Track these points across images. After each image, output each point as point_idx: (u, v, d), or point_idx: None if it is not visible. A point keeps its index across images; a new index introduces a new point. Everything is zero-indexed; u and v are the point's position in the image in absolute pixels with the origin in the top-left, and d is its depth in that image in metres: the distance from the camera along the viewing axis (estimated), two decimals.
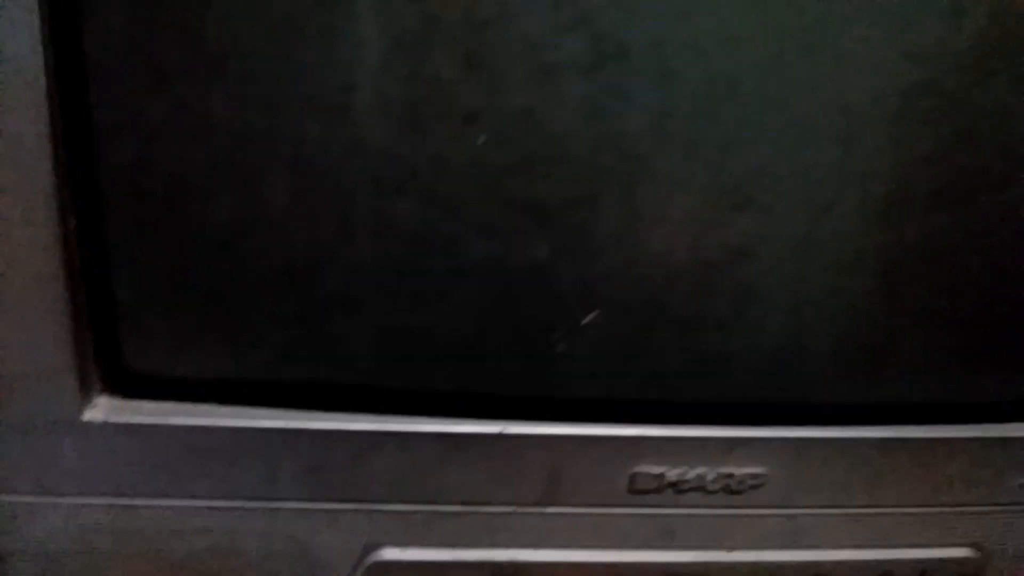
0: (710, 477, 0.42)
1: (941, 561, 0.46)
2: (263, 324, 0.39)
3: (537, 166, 0.36)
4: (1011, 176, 0.38)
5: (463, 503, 0.42)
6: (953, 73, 0.35)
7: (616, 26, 0.34)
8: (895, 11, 0.34)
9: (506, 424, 0.41)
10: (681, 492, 0.43)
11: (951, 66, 0.35)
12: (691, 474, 0.42)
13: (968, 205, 0.39)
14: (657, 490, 0.42)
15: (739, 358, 0.41)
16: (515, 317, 0.39)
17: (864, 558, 0.46)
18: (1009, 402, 0.44)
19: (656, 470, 0.42)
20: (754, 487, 0.43)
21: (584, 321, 0.39)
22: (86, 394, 0.39)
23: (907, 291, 0.41)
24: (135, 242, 0.37)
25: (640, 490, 0.42)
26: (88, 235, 0.37)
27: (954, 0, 0.34)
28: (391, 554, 0.43)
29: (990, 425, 0.44)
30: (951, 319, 0.42)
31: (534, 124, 0.36)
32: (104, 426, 0.39)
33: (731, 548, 0.45)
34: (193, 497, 0.41)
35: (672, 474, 0.42)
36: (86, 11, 0.33)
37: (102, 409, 0.39)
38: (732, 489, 0.43)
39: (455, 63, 0.34)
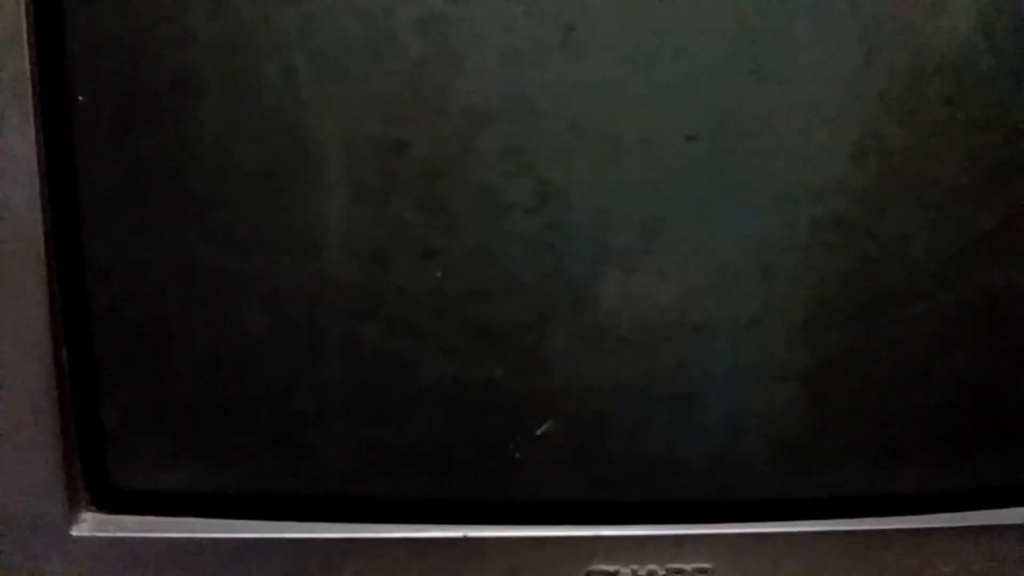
0: (661, 573, 0.46)
1: None
2: (240, 443, 0.43)
3: (490, 295, 0.40)
4: (914, 292, 0.43)
5: None
6: (855, 207, 0.40)
7: (556, 172, 0.39)
8: (802, 154, 0.39)
9: (468, 528, 0.44)
10: None
11: (852, 201, 0.40)
12: (643, 571, 0.45)
13: (879, 319, 0.43)
14: None
15: (682, 461, 0.45)
16: (474, 430, 0.43)
17: None
18: (931, 495, 0.48)
19: (610, 568, 0.45)
20: None
21: (538, 432, 0.42)
22: (75, 509, 0.42)
23: (830, 396, 0.45)
24: (121, 371, 0.41)
25: None
26: (78, 365, 0.40)
27: (855, 147, 0.39)
28: None
29: (916, 517, 0.47)
30: (873, 420, 0.46)
31: (486, 258, 0.40)
32: (91, 540, 0.41)
33: None
34: None
35: (625, 572, 0.45)
36: (81, 169, 0.37)
37: (89, 524, 0.42)
38: None
39: (414, 207, 0.39)
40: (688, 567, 0.46)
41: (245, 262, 0.38)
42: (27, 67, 0.36)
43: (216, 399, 0.41)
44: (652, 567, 0.46)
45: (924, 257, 0.43)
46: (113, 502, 0.43)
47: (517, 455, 0.43)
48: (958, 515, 0.47)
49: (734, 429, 0.45)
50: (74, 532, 0.41)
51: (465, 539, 0.44)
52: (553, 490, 0.45)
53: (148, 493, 0.43)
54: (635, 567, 0.45)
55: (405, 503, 0.44)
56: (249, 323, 0.40)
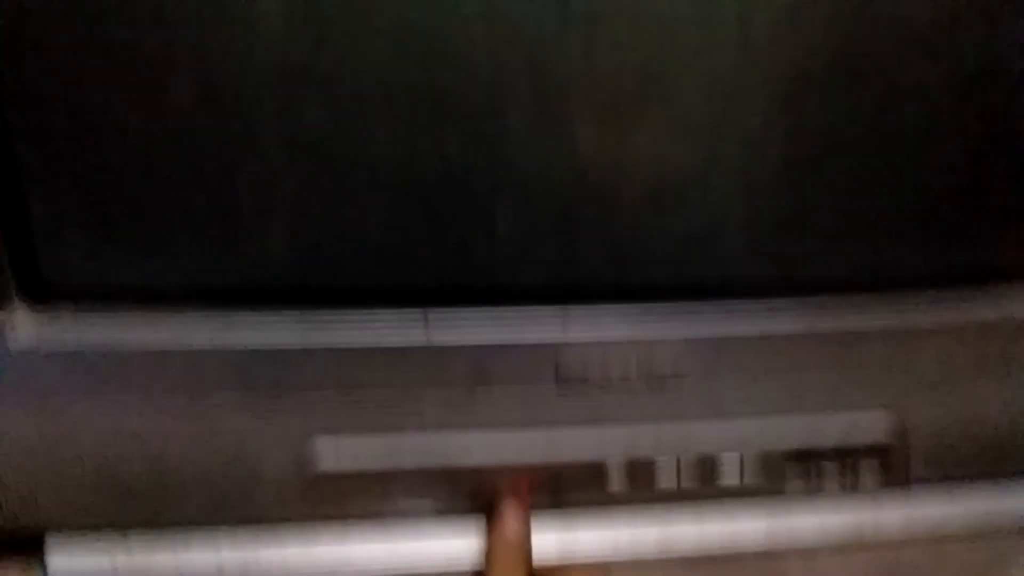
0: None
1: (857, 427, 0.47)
2: (178, 229, 0.40)
3: (442, 60, 0.37)
4: (901, 61, 0.39)
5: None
6: None
7: None
8: None
9: (430, 311, 0.41)
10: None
11: None
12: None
13: (864, 88, 0.39)
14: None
15: (654, 250, 0.42)
16: (431, 214, 0.40)
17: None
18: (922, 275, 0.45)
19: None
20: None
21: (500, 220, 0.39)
22: (2, 304, 0.40)
23: (808, 170, 0.42)
24: (45, 155, 0.38)
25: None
26: None
27: None
28: (326, 444, 0.44)
29: (898, 311, 0.45)
30: (856, 200, 0.43)
31: (438, 16, 0.36)
32: (19, 333, 0.39)
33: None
34: (121, 404, 0.41)
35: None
36: None
37: (18, 316, 0.40)
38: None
39: None
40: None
41: (174, 25, 0.35)
42: None
43: (149, 181, 0.38)
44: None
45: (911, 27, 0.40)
46: (44, 296, 0.40)
47: (478, 241, 0.41)
48: (942, 306, 0.46)
49: (710, 213, 0.42)
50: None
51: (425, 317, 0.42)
52: (521, 278, 0.43)
53: (81, 285, 0.40)
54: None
55: (360, 291, 0.42)
56: (177, 95, 0.37)
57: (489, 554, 0.45)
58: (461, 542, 0.48)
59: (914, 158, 0.43)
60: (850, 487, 0.49)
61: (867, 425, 0.47)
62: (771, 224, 0.43)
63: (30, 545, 0.46)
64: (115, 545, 0.46)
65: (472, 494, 0.45)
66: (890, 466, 0.48)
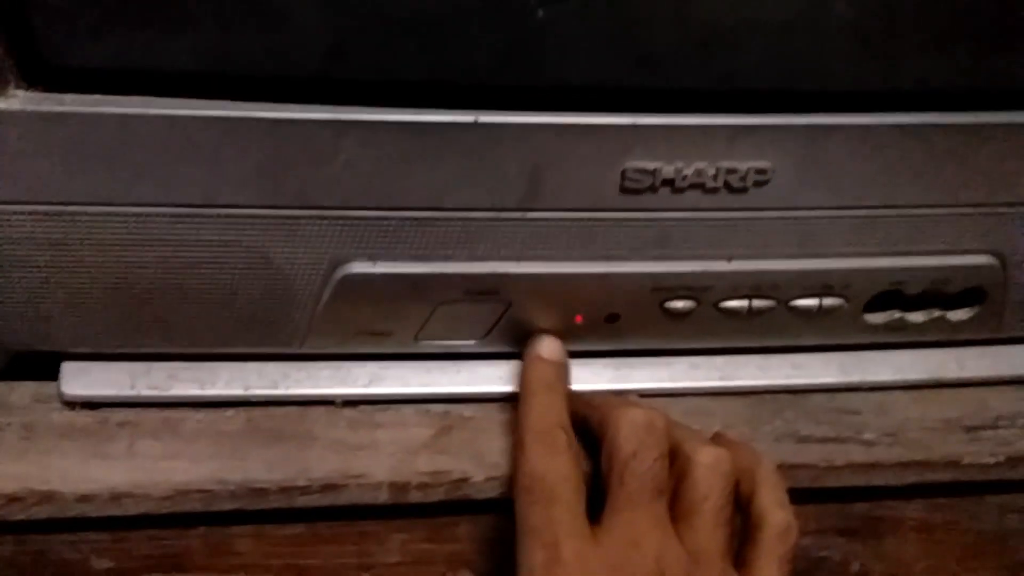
0: (710, 172, 0.38)
1: (957, 269, 0.43)
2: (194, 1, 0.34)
3: None
4: None
5: (437, 208, 0.38)
6: None
7: None
8: None
9: (480, 113, 0.36)
10: (678, 191, 0.38)
11: None
12: (689, 169, 0.38)
13: None
14: (651, 188, 0.38)
15: (742, 33, 0.36)
16: None
17: (875, 266, 0.43)
18: None
19: (650, 165, 0.37)
20: (759, 184, 0.38)
21: None
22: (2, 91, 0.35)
23: None
24: None
25: (632, 189, 0.38)
26: None
27: None
28: (361, 267, 0.40)
29: (1018, 112, 0.40)
30: None
31: None
32: (22, 116, 0.34)
33: (731, 257, 0.41)
34: (135, 204, 0.37)
35: (668, 170, 0.37)
36: None
37: (19, 100, 0.35)
38: (734, 187, 0.38)
39: None
40: (743, 166, 0.38)
41: None
42: None
43: None
44: (699, 165, 0.38)
45: None
46: (48, 80, 0.34)
47: (540, 15, 0.35)
48: None
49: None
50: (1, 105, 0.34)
51: (475, 124, 0.36)
52: (582, 69, 0.36)
53: (88, 68, 0.34)
54: (680, 164, 0.38)
55: (402, 84, 0.36)
56: None
57: (524, 375, 0.43)
58: (500, 367, 0.45)
59: None
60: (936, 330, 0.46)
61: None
62: (877, 19, 0.36)
63: (45, 369, 0.44)
64: (133, 370, 0.44)
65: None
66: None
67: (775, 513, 0.39)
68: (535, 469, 0.38)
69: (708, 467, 0.38)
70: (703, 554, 0.37)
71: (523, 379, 0.43)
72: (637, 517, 0.37)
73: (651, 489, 0.37)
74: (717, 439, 0.42)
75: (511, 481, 0.40)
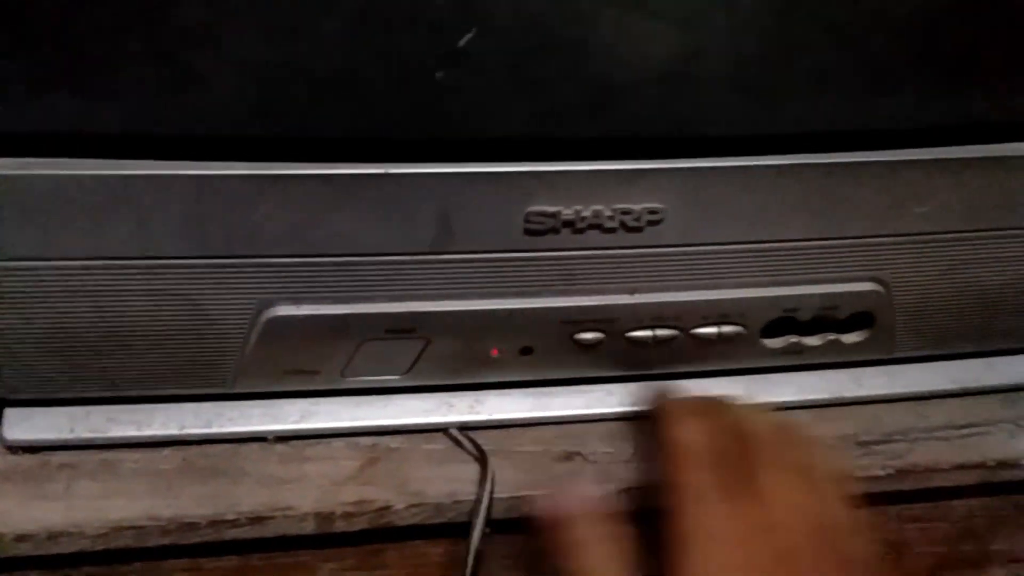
0: (607, 214, 0.41)
1: (844, 296, 0.47)
2: (118, 70, 0.36)
3: None
4: None
5: (354, 253, 0.41)
6: None
7: None
8: None
9: (390, 165, 0.39)
10: (578, 231, 0.41)
11: None
12: (587, 211, 0.41)
13: None
14: (554, 230, 0.41)
15: (629, 86, 0.40)
16: (388, 44, 0.37)
17: (767, 295, 0.46)
18: (908, 128, 0.43)
19: (551, 208, 0.41)
20: (652, 223, 0.42)
21: (461, 42, 0.37)
22: None
23: (802, 9, 0.40)
24: None
25: (536, 231, 0.41)
26: None
27: None
28: (286, 310, 0.42)
29: (889, 151, 0.43)
30: (849, 36, 0.40)
31: None
32: None
33: (634, 290, 0.45)
34: (68, 258, 0.39)
35: (568, 212, 0.41)
36: None
37: None
38: (630, 226, 0.42)
39: None
40: (637, 207, 0.41)
41: None
42: None
43: (82, 12, 0.35)
44: (597, 207, 0.41)
45: None
46: None
47: (441, 75, 0.38)
48: (933, 149, 0.44)
49: (690, 47, 0.39)
50: None
51: (387, 175, 0.39)
52: (485, 121, 0.40)
53: (19, 133, 0.37)
54: (578, 207, 0.41)
55: (316, 141, 0.39)
56: None
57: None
58: (425, 400, 0.47)
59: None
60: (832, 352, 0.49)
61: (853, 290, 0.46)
62: (757, 69, 0.40)
63: None
64: (72, 414, 0.46)
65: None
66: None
67: None
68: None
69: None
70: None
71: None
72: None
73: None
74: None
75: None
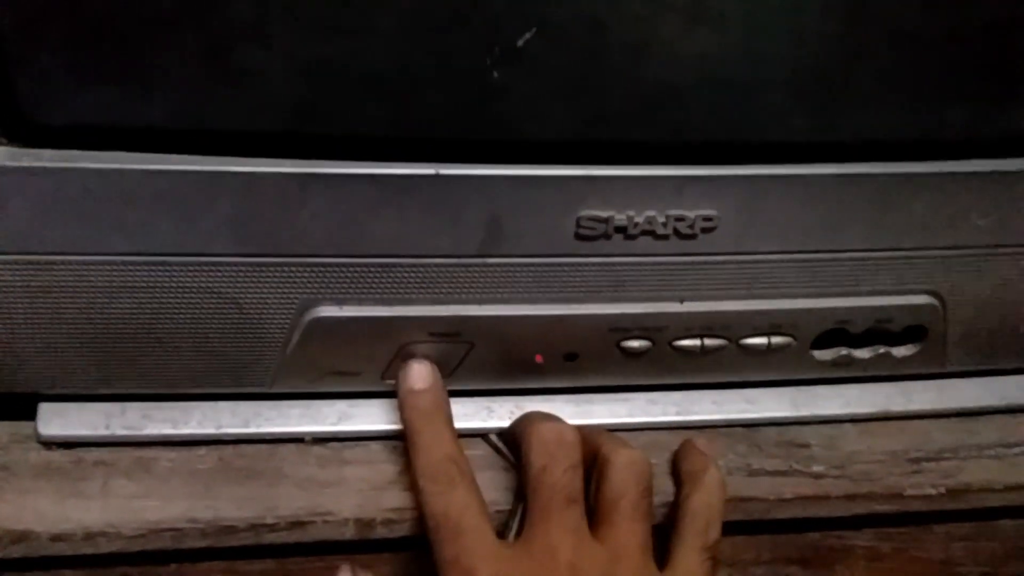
0: (660, 220, 0.40)
1: (899, 308, 0.46)
2: (168, 63, 0.35)
3: None
4: None
5: (400, 255, 0.40)
6: None
7: None
8: None
9: (441, 166, 0.38)
10: (630, 237, 0.40)
11: None
12: (640, 217, 0.40)
13: None
14: (605, 235, 0.40)
15: (690, 90, 0.38)
16: (444, 42, 0.36)
17: (820, 306, 0.45)
18: (974, 138, 0.42)
19: (603, 213, 0.40)
20: (706, 231, 0.41)
21: (519, 42, 0.36)
22: None
23: (868, 15, 0.38)
24: None
25: (586, 236, 0.40)
26: None
27: None
28: (328, 311, 0.41)
29: (952, 162, 0.42)
30: (915, 46, 0.39)
31: None
32: (2, 170, 0.36)
33: (683, 299, 0.44)
34: (110, 252, 0.38)
35: (620, 218, 0.40)
36: None
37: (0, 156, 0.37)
38: (683, 233, 0.41)
39: None
40: (691, 214, 0.40)
41: None
42: None
43: (135, 13, 0.34)
44: (650, 213, 0.40)
45: None
46: (28, 136, 0.36)
47: (496, 75, 0.37)
48: (996, 161, 0.42)
49: (751, 53, 0.38)
50: None
51: (437, 176, 0.38)
52: (539, 123, 0.38)
53: (68, 126, 0.36)
54: (631, 213, 0.40)
55: (365, 139, 0.38)
56: None
57: (401, 413, 0.43)
58: (467, 404, 0.46)
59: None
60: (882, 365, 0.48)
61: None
62: (819, 76, 0.39)
63: (21, 410, 0.45)
64: (108, 411, 0.45)
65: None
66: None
67: (696, 502, 0.41)
68: (435, 509, 0.39)
69: (623, 466, 0.40)
70: (623, 549, 0.39)
71: (401, 417, 0.43)
72: (550, 527, 0.39)
73: (562, 499, 0.39)
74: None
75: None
